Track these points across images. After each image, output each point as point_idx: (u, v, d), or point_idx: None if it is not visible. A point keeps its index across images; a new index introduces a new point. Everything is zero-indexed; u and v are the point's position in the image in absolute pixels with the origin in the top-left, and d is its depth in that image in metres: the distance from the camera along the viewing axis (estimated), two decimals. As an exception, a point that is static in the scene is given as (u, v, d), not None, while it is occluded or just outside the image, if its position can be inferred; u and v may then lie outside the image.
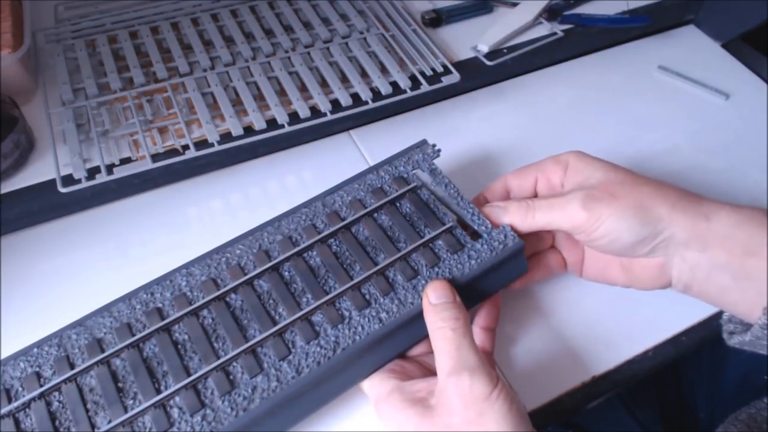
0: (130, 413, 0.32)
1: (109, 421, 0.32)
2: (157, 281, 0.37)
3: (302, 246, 0.39)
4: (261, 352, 0.35)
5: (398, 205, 0.41)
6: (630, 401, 0.56)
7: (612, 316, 0.44)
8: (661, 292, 0.45)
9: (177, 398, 0.33)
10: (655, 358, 0.43)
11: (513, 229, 0.39)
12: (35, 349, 0.34)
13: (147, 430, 0.32)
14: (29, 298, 0.42)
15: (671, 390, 0.58)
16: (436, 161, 0.44)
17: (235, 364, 0.34)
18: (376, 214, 0.41)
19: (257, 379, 0.34)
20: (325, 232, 0.39)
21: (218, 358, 0.34)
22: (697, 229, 0.35)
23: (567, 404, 0.40)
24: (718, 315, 0.45)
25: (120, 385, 0.33)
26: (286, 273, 0.38)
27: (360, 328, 0.35)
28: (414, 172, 0.43)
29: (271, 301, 0.37)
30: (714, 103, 0.61)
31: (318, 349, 0.35)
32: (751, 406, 0.45)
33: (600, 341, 0.43)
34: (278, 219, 0.41)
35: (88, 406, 0.32)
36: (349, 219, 0.40)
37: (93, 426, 0.32)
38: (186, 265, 0.38)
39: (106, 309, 0.36)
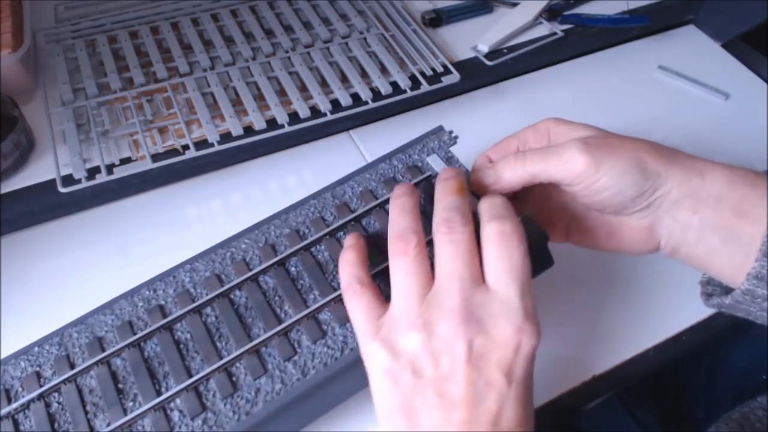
0: (129, 416, 0.31)
1: (108, 424, 0.31)
2: (160, 277, 0.36)
3: (310, 240, 0.37)
4: (265, 352, 0.34)
5: None
6: (630, 401, 0.56)
7: (612, 316, 0.44)
8: (661, 292, 0.46)
9: (178, 400, 0.32)
10: (655, 358, 0.43)
11: (502, 187, 0.36)
12: (36, 348, 0.34)
13: None
14: (29, 297, 0.42)
15: (671, 390, 0.58)
16: (452, 149, 0.42)
17: (238, 365, 0.33)
18: (387, 206, 0.38)
19: (261, 380, 0.32)
20: (334, 225, 0.38)
21: (221, 358, 0.33)
22: (691, 186, 0.34)
23: (567, 404, 0.40)
24: (718, 315, 0.45)
25: (120, 386, 0.32)
26: (293, 268, 0.37)
27: None
28: (428, 159, 0.41)
29: (276, 298, 0.35)
30: (714, 103, 0.61)
31: (325, 349, 0.34)
32: (745, 406, 0.45)
33: (600, 341, 0.43)
34: (285, 211, 0.39)
35: (88, 407, 0.32)
36: (360, 211, 0.38)
37: (92, 429, 0.31)
38: (190, 261, 0.37)
39: (108, 306, 0.35)
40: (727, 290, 0.35)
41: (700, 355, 0.58)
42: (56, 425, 0.31)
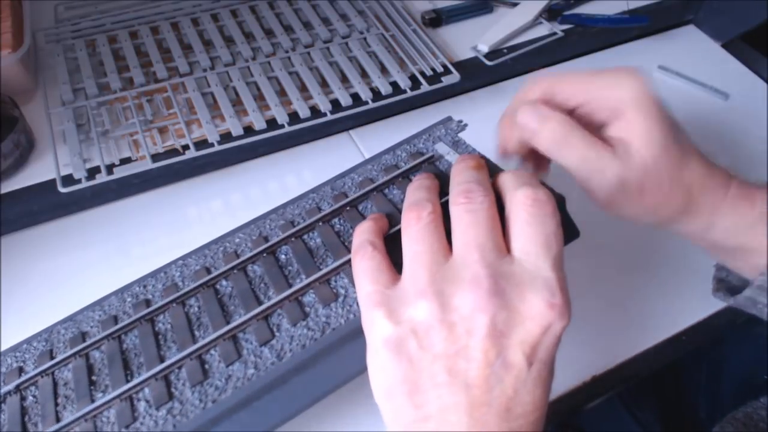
0: (92, 405, 0.30)
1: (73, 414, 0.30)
2: (152, 274, 0.36)
3: (301, 226, 0.35)
4: (243, 338, 0.31)
5: (412, 177, 0.37)
6: (630, 401, 0.56)
7: (612, 316, 0.44)
8: (661, 292, 0.45)
9: (146, 390, 0.30)
10: (655, 358, 0.43)
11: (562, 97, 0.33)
12: (24, 345, 0.34)
13: (110, 424, 0.29)
14: (29, 297, 0.42)
15: (671, 390, 0.58)
16: (461, 135, 0.40)
17: (213, 352, 0.31)
18: (387, 190, 0.37)
19: (233, 367, 0.30)
20: (327, 210, 0.36)
21: (195, 344, 0.31)
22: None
23: (567, 404, 0.40)
24: (719, 315, 0.45)
25: (94, 377, 0.31)
26: (283, 256, 0.35)
27: (356, 305, 0.31)
28: (435, 147, 0.39)
29: (262, 285, 0.33)
30: (714, 103, 0.61)
31: (305, 331, 0.31)
32: (748, 406, 0.45)
33: (600, 341, 0.43)
34: (283, 206, 0.38)
35: (59, 399, 0.31)
36: (355, 195, 0.36)
37: (59, 420, 0.30)
38: (183, 257, 0.36)
39: (98, 303, 0.35)
40: (744, 282, 0.35)
41: (701, 355, 0.58)
42: (26, 418, 0.31)
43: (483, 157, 0.35)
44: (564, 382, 0.41)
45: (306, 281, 0.32)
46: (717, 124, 0.59)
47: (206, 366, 0.31)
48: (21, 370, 0.33)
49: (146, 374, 0.30)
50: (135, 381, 0.30)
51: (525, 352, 0.25)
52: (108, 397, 0.30)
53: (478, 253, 0.26)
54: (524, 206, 0.27)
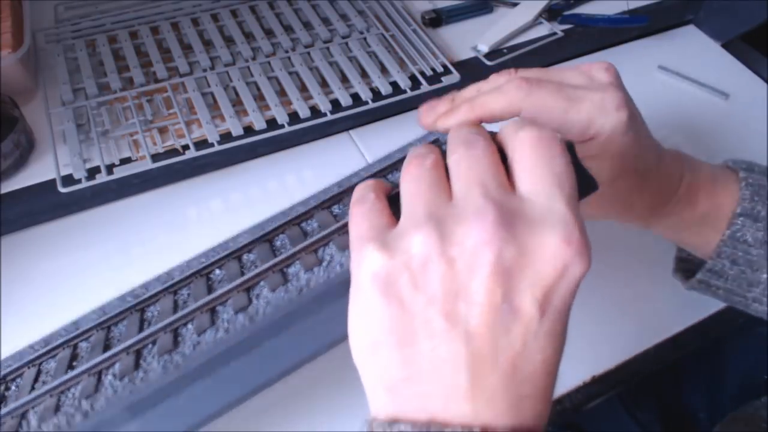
0: (60, 380, 0.29)
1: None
2: (157, 278, 0.36)
3: (298, 213, 0.34)
4: (222, 310, 0.30)
5: None
6: (630, 401, 0.56)
7: (612, 316, 0.44)
8: (661, 292, 0.45)
9: (117, 365, 0.30)
10: (655, 358, 0.43)
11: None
12: (28, 349, 0.34)
13: (73, 398, 0.29)
14: (29, 298, 0.42)
15: (671, 390, 0.58)
16: None
17: (189, 326, 0.30)
18: (390, 175, 0.35)
19: (204, 335, 0.28)
20: (325, 197, 0.35)
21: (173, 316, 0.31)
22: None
23: (567, 404, 0.40)
24: (719, 315, 0.45)
25: (75, 363, 0.31)
26: (278, 242, 0.34)
27: (338, 267, 0.29)
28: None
29: (253, 268, 0.33)
30: (714, 103, 0.61)
31: (282, 294, 0.29)
32: (750, 406, 0.45)
33: (600, 341, 0.43)
34: (291, 207, 0.37)
35: (36, 384, 0.31)
36: (357, 181, 0.35)
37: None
38: (188, 260, 0.36)
39: (102, 307, 0.35)
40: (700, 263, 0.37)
41: (701, 355, 0.58)
42: (2, 405, 0.31)
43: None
44: (564, 382, 0.41)
45: (291, 251, 0.31)
46: (717, 124, 0.59)
47: (179, 338, 0.29)
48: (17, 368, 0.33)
49: (118, 348, 0.29)
50: (106, 354, 0.29)
51: (536, 297, 0.21)
52: (77, 371, 0.29)
53: (481, 188, 0.22)
54: (529, 146, 0.23)
